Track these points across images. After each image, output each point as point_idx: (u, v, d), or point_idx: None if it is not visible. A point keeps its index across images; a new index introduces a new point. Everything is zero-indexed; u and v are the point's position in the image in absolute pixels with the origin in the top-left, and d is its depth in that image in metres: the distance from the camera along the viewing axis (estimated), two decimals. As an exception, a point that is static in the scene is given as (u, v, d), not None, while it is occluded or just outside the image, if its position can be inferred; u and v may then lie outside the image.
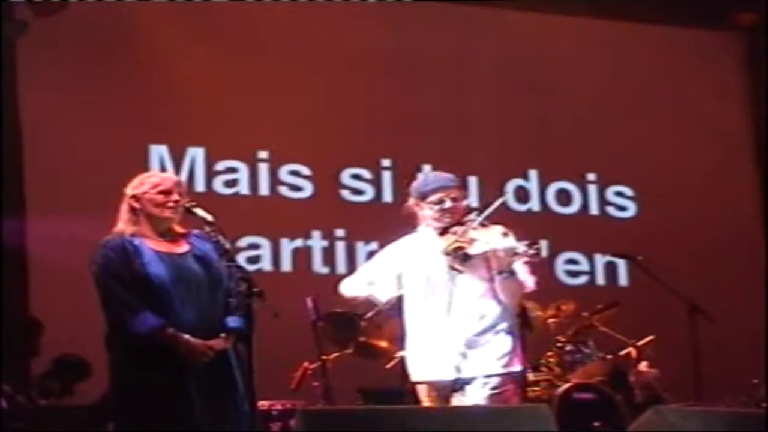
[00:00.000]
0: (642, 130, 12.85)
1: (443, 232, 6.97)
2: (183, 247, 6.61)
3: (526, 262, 6.86)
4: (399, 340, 7.62)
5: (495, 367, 6.85)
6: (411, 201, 7.16)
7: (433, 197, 7.03)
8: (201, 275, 6.53)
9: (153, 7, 11.53)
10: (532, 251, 6.72)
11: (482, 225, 6.97)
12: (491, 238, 6.86)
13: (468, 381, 6.80)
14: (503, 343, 6.93)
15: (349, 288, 7.31)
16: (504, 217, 12.24)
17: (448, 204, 7.01)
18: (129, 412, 6.46)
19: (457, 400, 6.77)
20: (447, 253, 6.83)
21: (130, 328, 6.34)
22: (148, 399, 6.36)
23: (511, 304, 7.06)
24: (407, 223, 7.22)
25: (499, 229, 6.92)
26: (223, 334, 6.47)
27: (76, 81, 11.21)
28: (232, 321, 6.52)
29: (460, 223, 6.95)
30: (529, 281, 7.02)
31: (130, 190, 6.64)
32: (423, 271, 6.98)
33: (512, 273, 6.88)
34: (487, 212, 6.98)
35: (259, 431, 6.95)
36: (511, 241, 6.79)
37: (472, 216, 6.99)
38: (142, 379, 6.37)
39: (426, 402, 6.88)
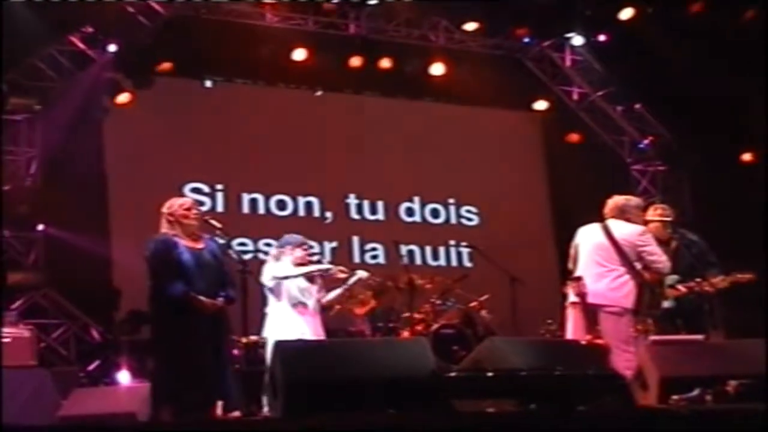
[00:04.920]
0: (481, 174, 12.66)
1: (299, 264, 7.52)
2: (201, 245, 6.58)
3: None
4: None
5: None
6: (288, 248, 7.57)
7: (302, 247, 7.61)
8: (210, 262, 6.52)
9: (176, 93, 11.34)
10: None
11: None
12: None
13: None
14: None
15: None
16: (399, 227, 12.12)
17: (308, 253, 7.66)
18: (163, 344, 6.45)
19: None
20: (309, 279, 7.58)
21: (168, 291, 6.33)
22: (175, 335, 6.35)
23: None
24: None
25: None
26: (220, 299, 6.46)
27: (144, 145, 11.00)
28: (225, 291, 6.52)
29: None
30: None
31: (165, 209, 6.62)
32: (298, 283, 7.52)
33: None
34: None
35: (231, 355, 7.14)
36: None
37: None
38: (172, 323, 6.35)
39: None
